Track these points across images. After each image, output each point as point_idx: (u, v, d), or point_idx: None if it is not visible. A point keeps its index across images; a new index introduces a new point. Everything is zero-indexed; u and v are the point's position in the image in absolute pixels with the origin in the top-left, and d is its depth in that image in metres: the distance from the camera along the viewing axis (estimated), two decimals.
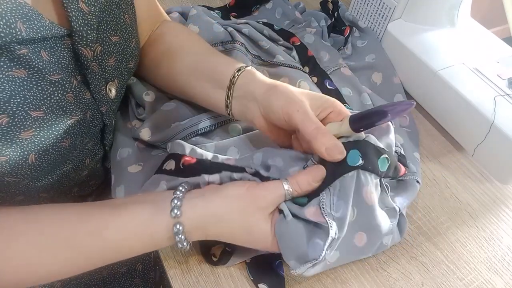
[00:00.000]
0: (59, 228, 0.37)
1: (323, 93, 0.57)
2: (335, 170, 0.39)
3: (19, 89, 0.35)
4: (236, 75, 0.46)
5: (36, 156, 0.39)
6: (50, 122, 0.38)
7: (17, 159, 0.37)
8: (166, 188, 0.44)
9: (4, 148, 0.36)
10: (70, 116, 0.41)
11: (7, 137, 0.36)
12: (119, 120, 0.57)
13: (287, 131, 0.45)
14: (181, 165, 0.45)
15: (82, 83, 0.42)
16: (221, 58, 0.50)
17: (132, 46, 0.48)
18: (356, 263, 0.46)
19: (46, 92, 0.37)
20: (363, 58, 0.65)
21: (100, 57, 0.43)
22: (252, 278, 0.44)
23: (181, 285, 0.44)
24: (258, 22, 0.69)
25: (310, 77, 0.61)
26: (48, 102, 0.38)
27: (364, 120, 0.38)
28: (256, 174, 0.43)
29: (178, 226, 0.37)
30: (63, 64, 0.39)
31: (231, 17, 0.75)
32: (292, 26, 0.72)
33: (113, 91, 0.47)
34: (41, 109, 0.37)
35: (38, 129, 0.38)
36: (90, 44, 0.40)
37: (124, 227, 0.38)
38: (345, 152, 0.39)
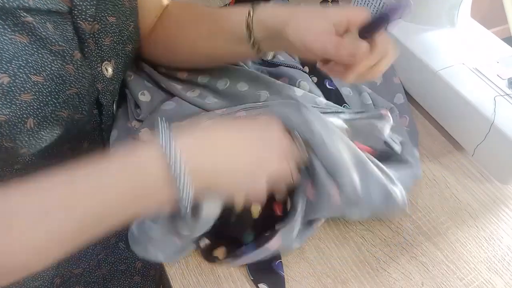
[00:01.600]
0: (53, 194, 0.33)
1: (322, 93, 0.57)
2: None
3: (21, 53, 0.37)
4: (249, 20, 0.46)
5: (34, 121, 0.40)
6: (49, 89, 0.40)
7: (16, 121, 0.39)
8: None
9: (3, 108, 0.37)
10: (69, 87, 0.42)
11: (7, 97, 0.37)
12: (119, 120, 0.56)
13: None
14: None
15: (83, 59, 0.44)
16: (226, 11, 0.51)
17: (130, 30, 0.49)
18: (356, 263, 0.46)
19: (46, 60, 0.39)
20: None
21: (97, 35, 0.45)
22: (252, 278, 0.44)
23: (181, 285, 0.44)
24: None
25: (310, 77, 0.61)
26: (48, 69, 0.40)
27: (369, 27, 0.40)
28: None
29: (173, 151, 0.33)
30: (67, 37, 0.41)
31: None
32: None
33: (110, 70, 0.48)
34: (41, 75, 0.39)
35: (37, 94, 0.39)
36: (89, 19, 0.42)
37: (116, 167, 0.34)
38: (368, 48, 0.40)
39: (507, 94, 0.53)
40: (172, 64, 0.57)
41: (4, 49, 0.36)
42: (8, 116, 0.38)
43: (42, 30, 0.38)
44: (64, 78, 0.41)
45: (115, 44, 0.48)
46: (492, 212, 0.52)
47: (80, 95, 0.44)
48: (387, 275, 0.45)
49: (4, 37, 0.36)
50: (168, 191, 0.33)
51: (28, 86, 0.38)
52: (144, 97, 0.54)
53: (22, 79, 0.38)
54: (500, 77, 0.55)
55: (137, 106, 0.55)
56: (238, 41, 0.48)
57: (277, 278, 0.44)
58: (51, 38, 0.39)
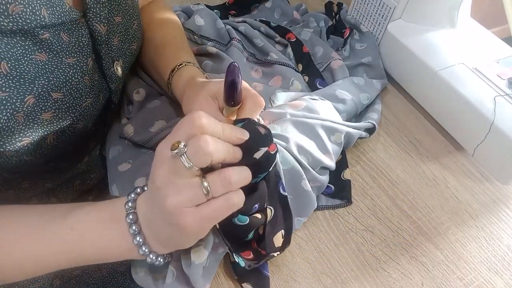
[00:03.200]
0: (25, 226, 0.37)
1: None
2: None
3: (42, 71, 0.38)
4: (176, 69, 0.50)
5: (54, 136, 0.41)
6: (68, 104, 0.41)
7: (38, 139, 0.39)
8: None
9: (27, 129, 0.38)
10: (85, 99, 0.43)
11: (30, 118, 0.38)
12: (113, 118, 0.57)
13: None
14: None
15: (95, 63, 0.44)
16: (166, 57, 0.53)
17: (134, 28, 0.50)
18: (356, 263, 0.46)
19: (68, 75, 0.40)
20: (359, 60, 0.65)
21: (105, 36, 0.45)
22: (236, 278, 0.44)
23: None
24: (255, 20, 0.69)
25: (302, 76, 0.62)
26: (68, 84, 0.40)
27: (227, 94, 0.38)
28: None
29: (144, 249, 0.36)
30: (83, 42, 0.41)
31: (230, 15, 0.75)
32: (290, 27, 0.72)
33: (119, 70, 0.49)
34: (61, 91, 0.40)
35: (57, 111, 0.40)
36: (104, 21, 0.43)
37: (83, 221, 0.37)
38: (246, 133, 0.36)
39: (507, 94, 0.53)
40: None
41: (27, 70, 0.36)
42: (32, 137, 0.38)
43: (57, 43, 0.38)
44: (81, 91, 0.42)
45: (122, 44, 0.48)
46: (492, 212, 0.52)
47: (93, 104, 0.45)
48: (387, 275, 0.45)
49: (26, 58, 0.36)
50: (132, 255, 0.37)
51: (49, 104, 0.39)
52: (138, 95, 0.55)
53: (44, 98, 0.38)
54: (500, 77, 0.55)
55: (130, 103, 0.56)
56: (160, 77, 0.52)
57: (262, 278, 0.44)
58: (65, 50, 0.39)
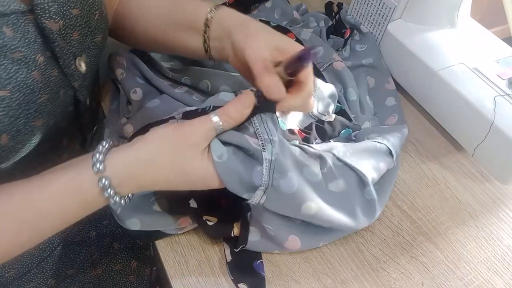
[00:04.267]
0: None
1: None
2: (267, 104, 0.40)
3: None
4: (209, 17, 0.46)
5: (9, 136, 0.38)
6: (18, 101, 0.38)
7: None
8: None
9: None
10: (39, 95, 0.40)
11: None
12: (111, 117, 0.57)
13: None
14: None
15: (51, 59, 0.41)
16: (190, 3, 0.50)
17: (95, 19, 0.47)
18: (356, 263, 0.46)
19: (10, 71, 0.37)
20: (360, 61, 0.65)
21: (63, 31, 0.42)
22: (232, 278, 0.44)
23: (181, 285, 0.44)
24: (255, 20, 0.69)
25: None
26: (14, 81, 0.37)
27: (291, 65, 0.39)
28: (184, 116, 0.42)
29: (103, 181, 0.35)
30: (29, 39, 0.38)
31: None
32: (290, 27, 0.72)
33: (83, 65, 0.46)
34: (7, 88, 0.37)
35: (6, 109, 0.37)
36: (54, 17, 0.40)
37: (50, 191, 0.36)
38: (283, 93, 0.39)
39: (507, 94, 0.53)
40: (133, 46, 0.58)
41: None
42: None
43: (1, 37, 0.36)
44: (32, 87, 0.39)
45: (83, 37, 0.45)
46: (492, 212, 0.52)
47: (52, 100, 0.42)
48: (387, 275, 0.45)
49: None
50: (102, 203, 0.37)
51: None
52: (136, 95, 0.55)
53: None
54: (500, 77, 0.55)
55: (129, 102, 0.56)
56: (192, 35, 0.48)
57: (258, 279, 0.44)
58: (10, 45, 0.36)
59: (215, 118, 0.37)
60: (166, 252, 0.46)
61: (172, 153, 0.37)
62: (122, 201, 0.37)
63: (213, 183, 0.39)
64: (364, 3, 0.67)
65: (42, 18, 0.39)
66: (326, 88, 0.54)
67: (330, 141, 0.51)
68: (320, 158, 0.44)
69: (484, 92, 0.53)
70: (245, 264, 0.44)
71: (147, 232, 0.46)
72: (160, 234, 0.47)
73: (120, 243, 0.59)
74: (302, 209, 0.41)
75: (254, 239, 0.45)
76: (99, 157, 0.36)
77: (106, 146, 0.38)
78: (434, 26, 0.63)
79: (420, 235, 0.49)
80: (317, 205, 0.41)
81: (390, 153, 0.50)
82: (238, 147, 0.39)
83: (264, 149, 0.38)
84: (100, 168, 0.35)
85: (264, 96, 0.39)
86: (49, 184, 0.37)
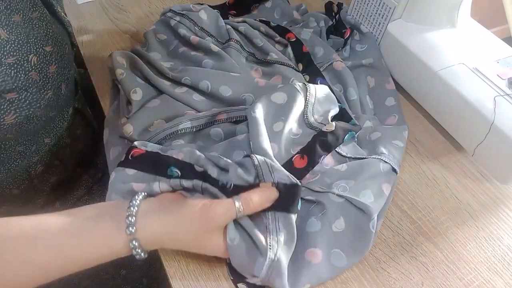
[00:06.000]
0: (16, 242, 0.37)
1: None
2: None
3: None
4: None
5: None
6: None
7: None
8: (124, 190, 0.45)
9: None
10: (46, 91, 0.43)
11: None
12: (110, 117, 0.57)
13: None
14: (129, 157, 0.47)
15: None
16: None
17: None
18: (356, 263, 0.46)
19: (10, 75, 0.39)
20: (360, 61, 0.65)
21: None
22: (232, 278, 0.44)
23: (181, 285, 0.44)
24: (255, 20, 0.69)
25: (303, 75, 0.62)
26: (16, 83, 0.40)
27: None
28: (205, 174, 0.44)
29: (134, 242, 0.38)
30: (20, 40, 0.40)
31: (230, 15, 0.75)
32: (290, 27, 0.72)
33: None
34: (14, 92, 0.39)
35: (18, 111, 0.40)
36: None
37: (83, 245, 0.38)
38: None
39: (507, 94, 0.53)
40: None
41: None
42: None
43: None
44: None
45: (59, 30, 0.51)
46: (492, 212, 0.52)
47: (57, 94, 0.46)
48: (387, 275, 0.45)
49: None
50: (126, 255, 0.40)
51: (5, 107, 0.39)
52: (136, 95, 0.54)
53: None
54: (500, 77, 0.55)
55: (129, 102, 0.56)
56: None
57: None
58: (4, 51, 0.39)
59: (237, 204, 0.40)
60: (166, 252, 0.46)
61: (195, 233, 0.40)
62: (144, 255, 0.40)
63: (223, 256, 0.43)
64: (364, 3, 0.67)
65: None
66: (320, 91, 0.54)
67: (334, 167, 0.51)
68: (319, 203, 0.46)
69: (484, 92, 0.53)
70: None
71: None
72: None
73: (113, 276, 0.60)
74: None
75: None
76: (131, 220, 0.39)
77: (137, 204, 0.40)
78: (434, 26, 0.63)
79: (420, 235, 0.49)
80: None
81: (394, 170, 0.51)
82: (249, 235, 0.41)
83: (270, 248, 0.41)
84: (133, 231, 0.38)
85: (281, 195, 0.42)
86: (80, 236, 0.38)
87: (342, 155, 0.51)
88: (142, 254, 0.39)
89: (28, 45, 0.40)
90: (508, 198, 0.53)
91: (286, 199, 0.42)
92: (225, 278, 0.44)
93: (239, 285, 0.43)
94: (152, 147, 0.48)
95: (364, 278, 0.45)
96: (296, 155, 0.50)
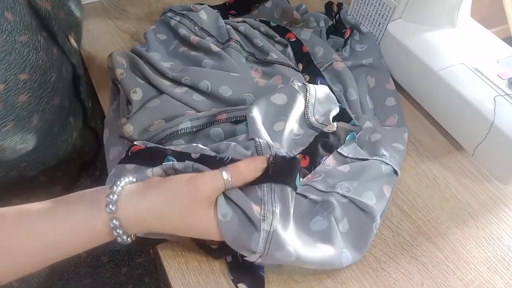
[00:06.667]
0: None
1: None
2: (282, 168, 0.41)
3: (2, 55, 0.37)
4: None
5: (38, 117, 0.41)
6: (37, 82, 0.40)
7: (24, 122, 0.39)
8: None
9: (9, 114, 0.37)
10: (50, 74, 0.42)
11: (8, 103, 0.37)
12: (110, 117, 0.57)
13: None
14: (129, 153, 0.46)
15: (49, 39, 0.44)
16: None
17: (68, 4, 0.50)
18: (356, 263, 0.46)
19: (23, 54, 0.39)
20: (360, 61, 0.65)
21: (53, 11, 0.44)
22: (231, 278, 0.44)
23: (181, 285, 0.44)
24: (255, 20, 0.69)
25: (303, 75, 0.62)
26: (28, 63, 0.39)
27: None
28: (201, 159, 0.43)
29: (114, 221, 0.37)
30: (26, 21, 0.40)
31: (230, 15, 0.75)
32: (290, 27, 0.72)
33: (74, 42, 0.49)
34: (26, 71, 0.39)
35: (31, 91, 0.39)
36: None
37: (62, 227, 0.37)
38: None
39: (507, 94, 0.53)
40: None
41: None
42: (15, 120, 0.38)
43: (6, 23, 0.37)
44: (43, 67, 0.41)
45: (67, 16, 0.48)
46: (492, 212, 0.52)
47: (60, 78, 0.44)
48: (387, 275, 0.45)
49: None
50: (109, 239, 0.38)
51: (20, 86, 0.38)
52: (136, 95, 0.55)
53: (13, 81, 0.37)
54: (500, 77, 0.55)
55: (129, 102, 0.56)
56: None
57: (257, 279, 0.44)
58: (15, 29, 0.38)
59: (225, 175, 0.39)
60: (166, 252, 0.46)
61: (182, 208, 0.38)
62: (129, 239, 0.39)
63: (215, 237, 0.40)
64: (364, 3, 0.67)
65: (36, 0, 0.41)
66: (320, 91, 0.54)
67: (336, 168, 0.50)
68: (324, 203, 0.46)
69: (484, 92, 0.53)
70: (245, 264, 0.44)
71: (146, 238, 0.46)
72: (161, 240, 0.47)
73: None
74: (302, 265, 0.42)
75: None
76: (112, 197, 0.37)
77: (121, 184, 0.39)
78: (434, 26, 0.63)
79: (420, 235, 0.49)
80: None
81: (395, 172, 0.51)
82: (241, 209, 0.40)
83: (264, 219, 0.39)
84: (113, 209, 0.37)
85: (278, 167, 0.41)
86: (59, 218, 0.37)
87: (343, 156, 0.51)
88: (124, 237, 0.37)
89: None
90: (508, 198, 0.53)
91: (284, 170, 0.41)
92: (225, 278, 0.44)
93: (239, 285, 0.43)
94: (151, 145, 0.48)
95: (364, 278, 0.45)
96: (298, 156, 0.50)
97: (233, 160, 0.41)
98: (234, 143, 0.44)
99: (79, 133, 0.54)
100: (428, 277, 0.45)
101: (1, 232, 0.36)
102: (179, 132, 0.51)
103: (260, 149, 0.43)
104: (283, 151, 0.44)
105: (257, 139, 0.44)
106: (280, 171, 0.41)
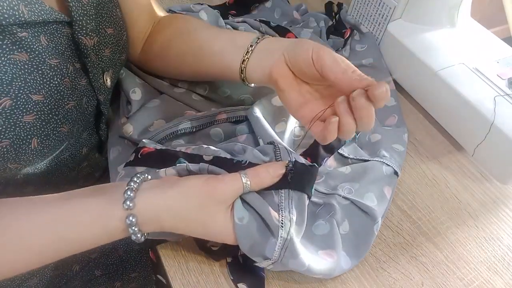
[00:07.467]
0: (9, 225, 0.36)
1: None
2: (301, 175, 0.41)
3: (20, 73, 0.36)
4: (257, 41, 0.45)
5: (38, 140, 0.39)
6: (50, 106, 0.39)
7: (21, 143, 0.38)
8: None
9: (8, 132, 0.36)
10: (67, 101, 0.42)
11: (11, 120, 0.36)
12: (111, 118, 0.57)
13: (301, 85, 0.42)
14: (139, 155, 0.46)
15: (79, 70, 0.43)
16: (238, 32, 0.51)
17: (123, 39, 0.50)
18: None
19: (47, 76, 0.38)
20: (360, 61, 0.65)
21: (97, 47, 0.44)
22: (231, 278, 0.44)
23: (181, 285, 0.44)
24: (255, 20, 0.69)
25: None
26: (47, 86, 0.39)
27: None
28: (214, 161, 0.43)
29: (131, 218, 0.36)
30: (59, 49, 0.40)
31: (230, 15, 0.75)
32: (290, 27, 0.72)
33: (109, 81, 0.48)
34: (41, 93, 0.38)
35: (39, 113, 0.38)
36: (90, 34, 0.42)
37: (74, 221, 0.37)
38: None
39: (507, 94, 0.53)
40: (161, 74, 0.57)
41: (3, 71, 0.35)
42: (12, 139, 0.37)
43: (38, 44, 0.37)
44: (62, 93, 0.40)
45: (113, 54, 0.47)
46: (492, 212, 0.52)
47: (77, 108, 0.43)
48: (387, 275, 0.45)
49: (3, 58, 0.35)
50: (124, 236, 0.38)
51: (29, 106, 0.37)
52: (135, 95, 0.54)
53: (23, 100, 0.37)
54: (500, 77, 0.55)
55: (128, 103, 0.56)
56: (225, 67, 0.47)
57: (257, 279, 0.44)
58: (47, 52, 0.38)
59: (244, 178, 0.39)
60: (166, 252, 0.46)
61: (198, 208, 0.38)
62: (143, 238, 0.38)
63: (229, 240, 0.40)
64: (364, 3, 0.67)
65: (79, 34, 0.41)
66: None
67: (337, 169, 0.51)
68: (325, 205, 0.46)
69: (484, 92, 0.53)
70: (245, 264, 0.44)
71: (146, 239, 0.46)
72: (161, 241, 0.47)
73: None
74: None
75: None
76: (130, 194, 0.37)
77: (138, 181, 0.38)
78: (434, 26, 0.63)
79: (420, 235, 0.49)
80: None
81: (395, 173, 0.51)
82: (259, 214, 0.40)
83: (282, 226, 0.39)
84: (131, 205, 0.36)
85: (297, 174, 0.41)
86: (74, 214, 0.37)
87: (344, 156, 0.52)
88: (139, 235, 0.37)
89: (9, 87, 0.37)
90: (508, 198, 0.53)
91: (303, 178, 0.41)
92: (225, 278, 0.44)
93: (239, 285, 0.43)
94: (160, 147, 0.48)
95: (364, 278, 0.45)
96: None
97: (250, 164, 0.41)
98: (252, 148, 0.44)
99: (89, 163, 0.54)
100: (428, 277, 0.45)
101: (12, 221, 0.36)
102: (179, 132, 0.51)
103: (279, 154, 0.43)
104: (301, 158, 0.43)
105: (276, 143, 0.44)
106: (299, 178, 0.41)
